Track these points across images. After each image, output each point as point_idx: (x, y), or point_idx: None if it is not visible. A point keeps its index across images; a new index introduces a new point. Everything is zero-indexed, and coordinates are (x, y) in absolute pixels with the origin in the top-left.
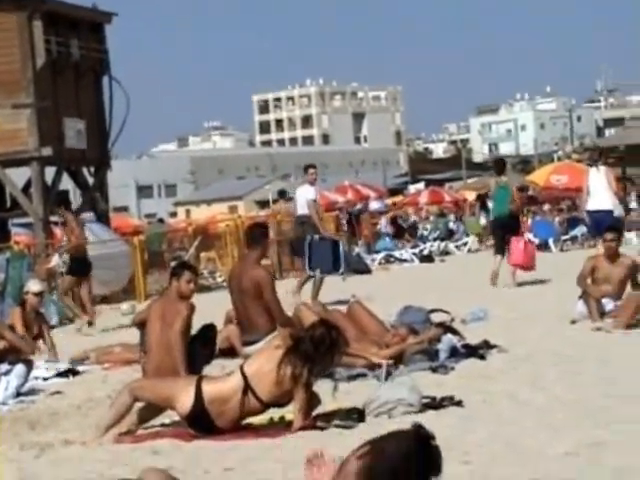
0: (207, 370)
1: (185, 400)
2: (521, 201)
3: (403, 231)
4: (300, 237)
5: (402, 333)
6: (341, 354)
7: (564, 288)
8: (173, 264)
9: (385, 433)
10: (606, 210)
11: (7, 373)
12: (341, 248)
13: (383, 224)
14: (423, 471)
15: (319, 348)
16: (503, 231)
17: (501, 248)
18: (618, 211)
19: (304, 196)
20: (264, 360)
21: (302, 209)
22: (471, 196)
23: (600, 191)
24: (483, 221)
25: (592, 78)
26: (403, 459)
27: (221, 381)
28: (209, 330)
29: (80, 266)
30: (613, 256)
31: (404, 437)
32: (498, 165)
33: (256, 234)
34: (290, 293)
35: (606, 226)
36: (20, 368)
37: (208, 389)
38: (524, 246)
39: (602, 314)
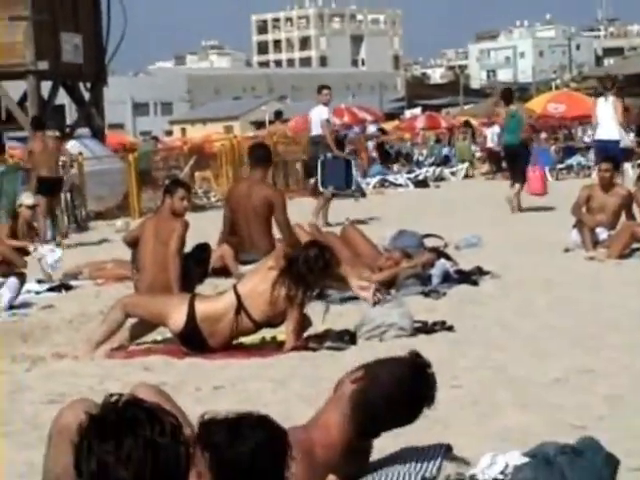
0: (200, 289)
1: (178, 317)
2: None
3: (389, 158)
4: (314, 156)
5: (396, 257)
6: (334, 275)
7: (559, 217)
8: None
9: (381, 358)
10: (613, 140)
11: (0, 286)
12: (353, 167)
13: (370, 149)
14: (417, 399)
15: (312, 269)
16: (515, 159)
17: (517, 176)
18: (624, 141)
19: (318, 116)
20: (258, 280)
21: (316, 129)
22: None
23: (607, 121)
24: (474, 147)
25: (592, 6)
26: (397, 385)
27: (214, 300)
28: (203, 249)
29: (47, 186)
30: (608, 186)
31: (399, 364)
32: (506, 94)
33: (260, 153)
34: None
35: (603, 156)
36: (12, 281)
37: (201, 307)
38: (539, 174)
39: (596, 243)
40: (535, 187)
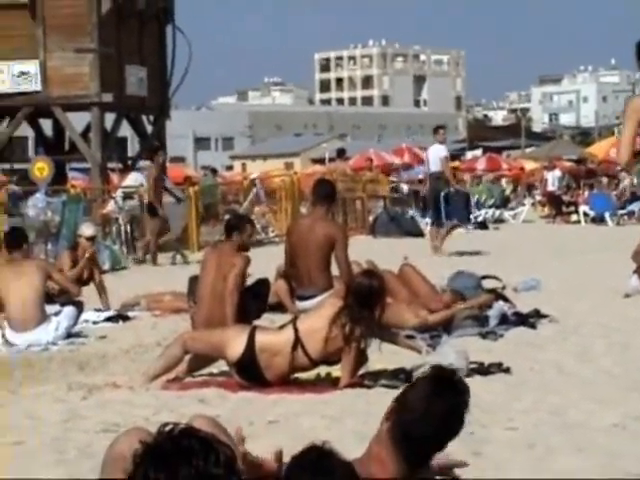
0: (257, 324)
1: (237, 346)
2: None
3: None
4: (435, 191)
5: (446, 299)
6: (383, 303)
7: (619, 262)
8: (227, 217)
9: (407, 385)
10: None
11: (57, 314)
12: (472, 201)
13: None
14: (450, 409)
15: (359, 295)
16: None
17: None
18: None
19: (437, 154)
20: (317, 318)
21: (435, 166)
22: (529, 165)
23: None
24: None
25: None
26: (426, 404)
27: (274, 333)
28: (262, 285)
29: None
30: None
31: (423, 383)
32: None
33: (324, 190)
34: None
35: None
36: (70, 309)
37: (261, 338)
38: None
39: None
40: None
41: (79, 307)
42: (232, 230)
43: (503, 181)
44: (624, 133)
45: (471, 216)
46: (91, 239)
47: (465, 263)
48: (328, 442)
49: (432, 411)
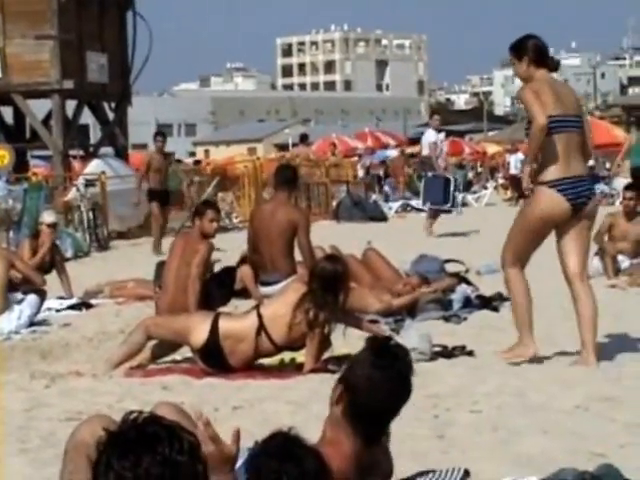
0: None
1: (200, 333)
2: None
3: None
4: (419, 175)
5: (413, 282)
6: (347, 288)
7: None
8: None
9: (347, 364)
10: None
11: (20, 302)
12: (452, 185)
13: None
14: (394, 374)
15: (323, 280)
16: None
17: None
18: None
19: (426, 139)
20: (280, 303)
21: (425, 150)
22: (492, 148)
23: None
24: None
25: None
26: (371, 377)
27: (237, 319)
28: (228, 273)
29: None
30: (631, 214)
31: (361, 357)
32: None
33: (286, 175)
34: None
35: (626, 184)
36: (33, 298)
37: (224, 325)
38: None
39: (617, 271)
40: None
41: (42, 295)
42: (194, 216)
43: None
44: (535, 103)
45: (452, 199)
46: (52, 226)
47: (445, 244)
48: (294, 428)
49: (379, 384)
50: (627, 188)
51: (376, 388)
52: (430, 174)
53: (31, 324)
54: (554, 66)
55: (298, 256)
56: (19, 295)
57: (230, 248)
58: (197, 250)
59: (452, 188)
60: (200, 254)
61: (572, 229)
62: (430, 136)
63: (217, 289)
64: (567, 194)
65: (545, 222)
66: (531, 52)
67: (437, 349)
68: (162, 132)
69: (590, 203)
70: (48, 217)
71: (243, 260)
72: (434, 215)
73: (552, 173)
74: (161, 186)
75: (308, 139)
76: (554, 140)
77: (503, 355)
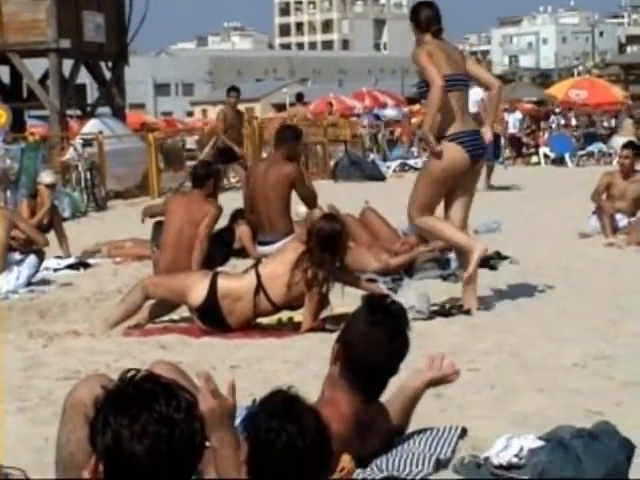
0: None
1: (199, 292)
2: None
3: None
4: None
5: (411, 241)
6: (345, 247)
7: (579, 203)
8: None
9: (345, 324)
10: None
11: (19, 263)
12: (502, 140)
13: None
14: (391, 329)
15: (321, 239)
16: None
17: None
18: None
19: (473, 97)
20: (278, 262)
21: (473, 108)
22: None
23: None
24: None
25: None
26: (368, 333)
27: (236, 278)
28: (227, 232)
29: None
30: (628, 173)
31: (358, 316)
32: None
33: (285, 135)
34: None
35: (623, 143)
36: (32, 258)
37: (223, 284)
38: None
39: (615, 230)
40: None
41: (40, 256)
42: (203, 179)
43: None
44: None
45: (500, 154)
46: (51, 187)
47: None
48: (294, 387)
49: (376, 341)
50: (624, 147)
51: (372, 344)
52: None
53: (29, 284)
54: (436, 33)
55: (294, 217)
56: (17, 255)
57: (229, 208)
58: (206, 212)
59: (502, 143)
60: (211, 214)
61: (463, 183)
62: (476, 94)
63: (218, 249)
64: (467, 146)
65: (449, 174)
66: (417, 25)
67: (435, 308)
68: (236, 87)
69: (484, 156)
70: (47, 177)
71: (233, 218)
72: (490, 170)
73: (451, 127)
74: (237, 143)
75: (304, 98)
76: (449, 97)
77: (466, 275)
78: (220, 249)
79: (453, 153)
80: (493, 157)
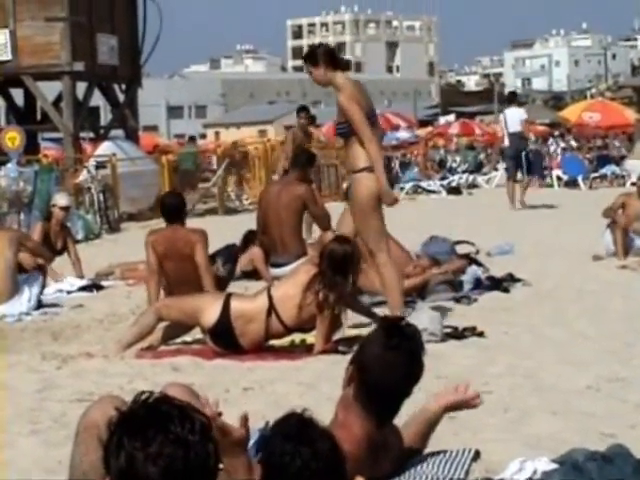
0: (231, 290)
1: (212, 313)
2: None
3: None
4: (517, 149)
5: (423, 264)
6: (357, 269)
7: (592, 225)
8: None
9: (360, 344)
10: None
11: (25, 282)
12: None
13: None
14: (406, 354)
15: (333, 261)
16: None
17: None
18: None
19: (517, 117)
20: (291, 284)
21: (515, 126)
22: None
23: None
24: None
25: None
26: (382, 356)
27: (249, 300)
28: (228, 249)
29: None
30: None
31: (374, 338)
32: None
33: (300, 157)
34: (518, 202)
35: None
36: (35, 276)
37: (236, 305)
38: None
39: (628, 250)
40: None
41: (42, 270)
42: (180, 213)
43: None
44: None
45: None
46: (65, 209)
47: (455, 226)
48: (308, 410)
49: (390, 364)
50: None
51: (387, 367)
52: (532, 148)
53: (42, 305)
54: (345, 65)
55: (308, 239)
56: (21, 275)
57: (240, 230)
58: (192, 241)
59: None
60: (200, 243)
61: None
62: (521, 114)
63: (222, 265)
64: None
65: (377, 198)
66: (324, 57)
67: (448, 330)
68: (306, 106)
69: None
70: (61, 199)
71: (246, 239)
72: (525, 186)
73: (365, 161)
74: None
75: (316, 121)
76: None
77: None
78: (224, 265)
79: (373, 181)
80: (541, 175)
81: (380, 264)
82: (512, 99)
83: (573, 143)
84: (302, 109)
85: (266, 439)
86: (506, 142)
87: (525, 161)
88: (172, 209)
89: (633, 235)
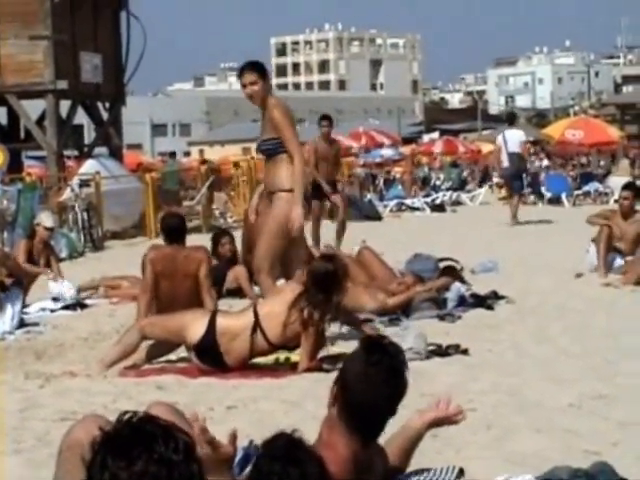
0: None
1: (197, 329)
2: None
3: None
4: (519, 169)
5: (408, 281)
6: (342, 287)
7: (575, 242)
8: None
9: (343, 363)
10: None
11: (7, 300)
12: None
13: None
14: (387, 371)
15: (315, 279)
16: None
17: None
18: None
19: (517, 138)
20: (277, 302)
21: (515, 147)
22: (486, 147)
23: None
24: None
25: (612, 34)
26: (365, 375)
27: (234, 317)
28: (216, 269)
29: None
30: (628, 214)
31: (355, 357)
32: None
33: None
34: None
35: (623, 184)
36: (14, 292)
37: (221, 322)
38: None
39: (610, 267)
40: None
41: (20, 284)
42: (183, 233)
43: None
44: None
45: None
46: (50, 230)
47: (439, 243)
48: (298, 430)
49: (372, 380)
50: (625, 188)
51: (369, 385)
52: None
53: (25, 324)
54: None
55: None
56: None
57: None
58: (198, 260)
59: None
60: (204, 262)
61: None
62: (521, 135)
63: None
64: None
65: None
66: (266, 73)
67: (432, 348)
68: (328, 115)
69: None
70: (47, 220)
71: (230, 260)
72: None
73: (286, 181)
74: (328, 177)
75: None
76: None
77: None
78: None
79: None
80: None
81: (260, 281)
82: (512, 120)
83: (546, 162)
84: (324, 117)
85: (255, 458)
86: (505, 162)
87: (533, 180)
88: (174, 229)
89: (614, 254)
